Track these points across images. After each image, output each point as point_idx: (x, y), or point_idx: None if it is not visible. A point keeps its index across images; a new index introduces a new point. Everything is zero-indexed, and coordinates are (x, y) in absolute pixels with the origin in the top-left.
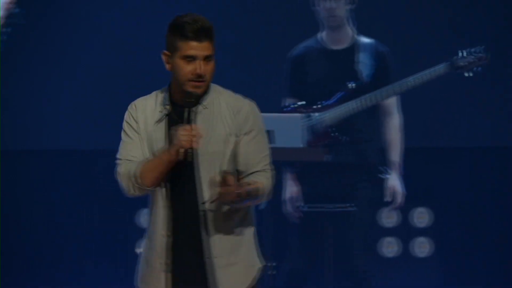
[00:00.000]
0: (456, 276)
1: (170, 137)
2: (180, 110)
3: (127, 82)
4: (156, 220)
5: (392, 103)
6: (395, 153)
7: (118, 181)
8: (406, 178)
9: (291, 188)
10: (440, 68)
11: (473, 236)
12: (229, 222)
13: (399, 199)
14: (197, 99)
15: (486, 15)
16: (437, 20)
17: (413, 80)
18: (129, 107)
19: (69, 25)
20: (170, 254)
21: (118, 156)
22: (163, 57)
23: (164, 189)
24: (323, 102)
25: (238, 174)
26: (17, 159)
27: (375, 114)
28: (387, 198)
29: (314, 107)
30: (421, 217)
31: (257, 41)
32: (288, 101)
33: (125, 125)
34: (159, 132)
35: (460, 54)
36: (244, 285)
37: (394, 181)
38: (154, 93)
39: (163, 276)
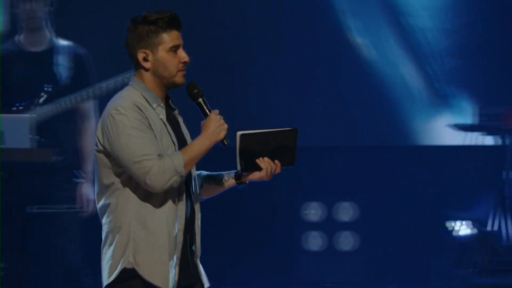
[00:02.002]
0: None
1: (175, 131)
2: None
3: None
4: (166, 216)
5: (89, 107)
6: (90, 160)
7: (147, 178)
8: None
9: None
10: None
11: None
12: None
13: (90, 206)
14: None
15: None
16: None
17: (114, 82)
18: (129, 107)
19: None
20: (180, 249)
21: (142, 153)
22: (140, 56)
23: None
24: (20, 104)
25: None
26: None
27: (73, 118)
28: (78, 204)
29: (14, 108)
30: None
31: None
32: None
33: (135, 122)
34: (164, 129)
35: None
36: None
37: (85, 188)
38: (129, 92)
39: (176, 270)
